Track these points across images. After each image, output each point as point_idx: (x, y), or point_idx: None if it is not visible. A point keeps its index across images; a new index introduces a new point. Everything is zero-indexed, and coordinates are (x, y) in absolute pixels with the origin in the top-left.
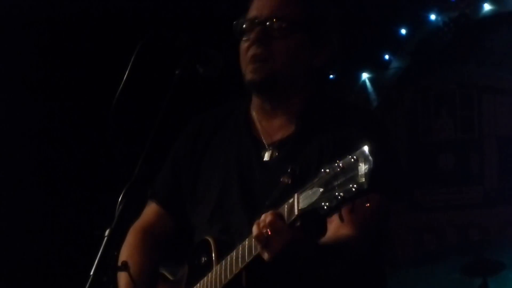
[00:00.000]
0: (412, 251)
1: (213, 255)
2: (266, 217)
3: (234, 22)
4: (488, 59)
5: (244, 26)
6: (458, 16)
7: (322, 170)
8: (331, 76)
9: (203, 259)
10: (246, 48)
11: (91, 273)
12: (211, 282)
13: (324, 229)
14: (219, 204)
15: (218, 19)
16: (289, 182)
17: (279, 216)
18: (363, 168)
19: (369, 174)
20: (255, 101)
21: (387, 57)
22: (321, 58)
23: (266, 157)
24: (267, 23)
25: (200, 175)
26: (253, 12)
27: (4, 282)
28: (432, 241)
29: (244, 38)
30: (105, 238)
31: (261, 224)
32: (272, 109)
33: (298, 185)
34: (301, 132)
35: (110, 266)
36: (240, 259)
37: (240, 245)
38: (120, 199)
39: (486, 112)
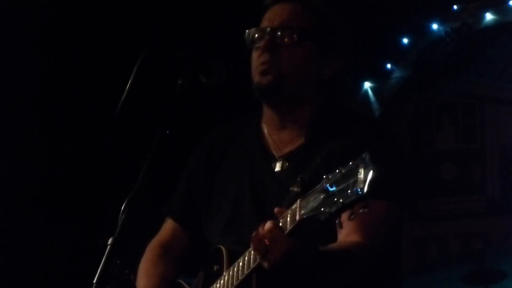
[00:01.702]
0: (415, 260)
1: (224, 263)
2: (264, 227)
3: (247, 31)
4: (490, 69)
5: (255, 35)
6: (460, 26)
7: (324, 176)
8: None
9: (215, 267)
10: (256, 57)
11: (94, 281)
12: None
13: (328, 236)
14: (233, 217)
15: (221, 29)
16: (299, 191)
17: (277, 226)
18: (363, 174)
19: (370, 180)
20: (266, 113)
21: (389, 66)
22: (330, 69)
23: (277, 167)
24: (277, 33)
25: (214, 189)
26: (264, 22)
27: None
28: (434, 250)
29: (255, 47)
30: (108, 247)
31: (260, 235)
32: (281, 121)
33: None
34: (311, 142)
35: (113, 275)
36: (245, 266)
37: (247, 252)
38: (123, 208)
39: (488, 122)
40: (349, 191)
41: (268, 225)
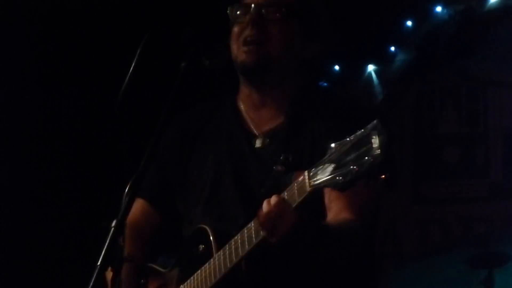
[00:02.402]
0: (418, 244)
1: (213, 243)
2: (271, 201)
3: (229, 7)
4: (494, 52)
5: (238, 11)
6: (464, 8)
7: (332, 146)
8: (336, 68)
9: (201, 247)
10: (240, 31)
11: (98, 263)
12: (214, 269)
13: (320, 211)
14: (213, 195)
15: (223, 12)
16: (283, 170)
17: (284, 200)
18: (377, 140)
19: (384, 145)
20: (243, 91)
21: (392, 49)
22: (312, 49)
23: (258, 144)
24: (264, 8)
25: (190, 169)
26: None
27: (10, 275)
28: (437, 234)
29: (237, 21)
30: (112, 229)
31: (267, 209)
32: (260, 98)
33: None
34: (292, 120)
35: (116, 257)
36: (242, 245)
37: (241, 232)
38: (126, 191)
39: (491, 105)
40: (365, 158)
41: (274, 199)
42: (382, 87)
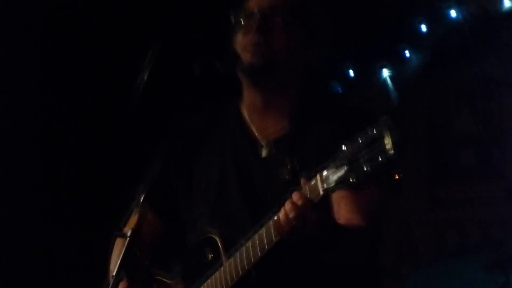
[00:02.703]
0: (434, 248)
1: (222, 252)
2: (294, 198)
3: (232, 13)
4: (507, 53)
5: (242, 17)
6: (478, 11)
7: (343, 146)
8: (351, 73)
9: (209, 256)
10: (245, 36)
11: (114, 274)
12: (225, 277)
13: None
14: (219, 204)
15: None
16: (290, 178)
17: (305, 199)
18: (389, 139)
19: (397, 144)
20: (247, 98)
21: (407, 53)
22: (314, 53)
23: (264, 154)
24: (268, 15)
25: (195, 177)
26: (251, 4)
27: (21, 279)
28: (454, 238)
29: (242, 27)
30: (128, 239)
31: (287, 208)
32: (264, 104)
33: (299, 181)
34: (297, 127)
35: (132, 265)
36: (254, 253)
37: (251, 239)
38: (141, 201)
39: (506, 106)
40: (378, 158)
41: (296, 197)
42: (397, 91)
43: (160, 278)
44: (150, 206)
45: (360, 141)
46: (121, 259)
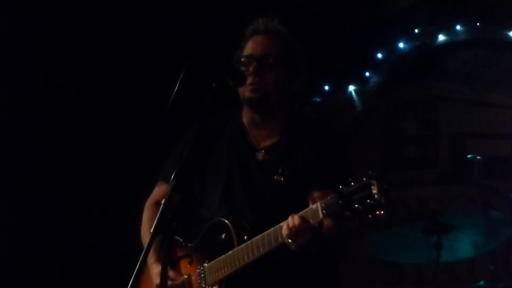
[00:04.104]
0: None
1: (234, 235)
2: (295, 220)
3: (235, 54)
4: (443, 76)
5: (242, 59)
6: (420, 44)
7: (340, 187)
8: (326, 88)
9: (223, 236)
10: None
11: (151, 231)
12: (236, 259)
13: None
14: (227, 190)
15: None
16: (283, 180)
17: (304, 220)
18: (376, 188)
19: (383, 193)
20: (247, 113)
21: (368, 74)
22: (296, 85)
23: (260, 157)
24: (260, 60)
25: (208, 166)
26: (249, 50)
27: (46, 264)
28: (401, 210)
29: (242, 69)
30: (162, 206)
31: (291, 224)
32: (260, 121)
33: (290, 183)
34: (286, 141)
35: (165, 226)
36: (262, 246)
37: (261, 236)
38: (172, 177)
39: (441, 115)
40: (367, 201)
41: (298, 219)
42: (360, 102)
43: (178, 238)
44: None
45: (353, 186)
46: (157, 221)
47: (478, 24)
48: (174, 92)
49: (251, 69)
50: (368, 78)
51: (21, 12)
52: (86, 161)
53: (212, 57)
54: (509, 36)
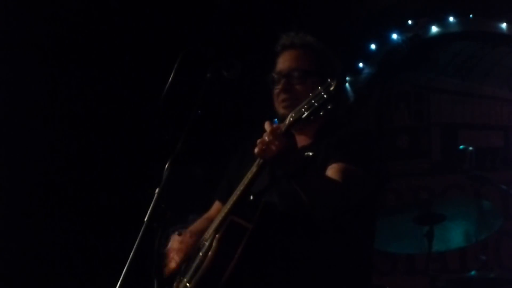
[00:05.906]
0: (379, 205)
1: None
2: (266, 127)
3: (269, 75)
4: (435, 67)
5: (274, 78)
6: (413, 35)
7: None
8: None
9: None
10: (277, 94)
11: (145, 219)
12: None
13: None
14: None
15: (241, 35)
16: (310, 154)
17: (275, 127)
18: (325, 87)
19: (330, 88)
20: None
21: (361, 65)
22: None
23: None
24: (289, 75)
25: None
26: (279, 66)
27: (46, 264)
28: (393, 200)
29: (275, 87)
30: (156, 194)
31: (264, 134)
32: (298, 129)
33: (314, 158)
34: (316, 142)
35: (159, 216)
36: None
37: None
38: (166, 166)
39: (432, 105)
40: (319, 98)
41: (268, 127)
42: (353, 92)
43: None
44: (222, 201)
45: (315, 92)
46: (151, 210)
47: (470, 16)
48: (168, 83)
49: (281, 85)
50: (361, 69)
51: (21, 12)
52: (86, 161)
53: (206, 47)
54: (501, 28)
